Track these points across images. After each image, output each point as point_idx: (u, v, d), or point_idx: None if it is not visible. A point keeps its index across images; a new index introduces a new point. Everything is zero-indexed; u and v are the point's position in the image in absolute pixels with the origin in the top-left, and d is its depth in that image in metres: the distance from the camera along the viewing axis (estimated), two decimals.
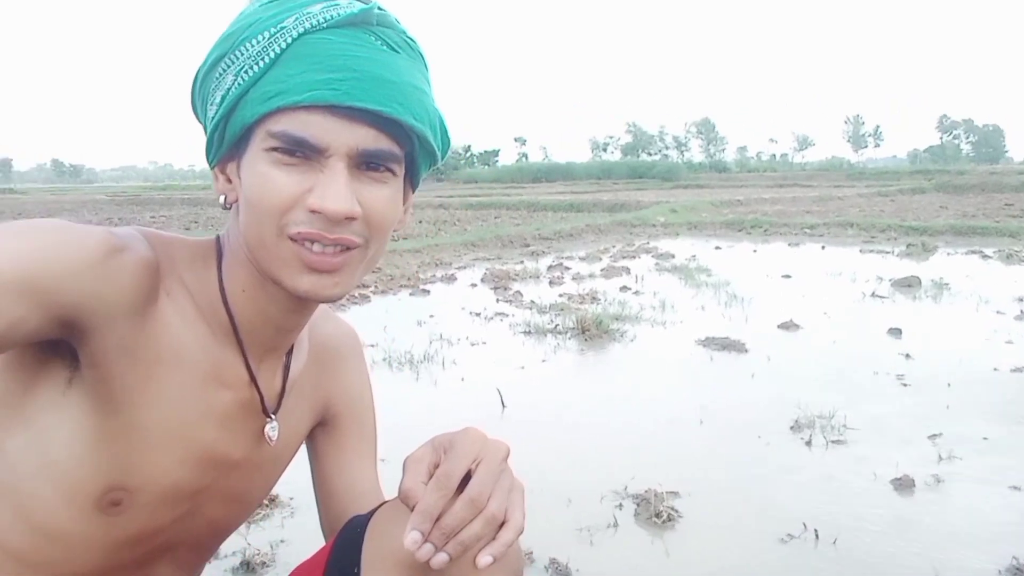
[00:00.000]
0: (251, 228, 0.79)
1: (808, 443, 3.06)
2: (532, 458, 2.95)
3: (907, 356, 4.40)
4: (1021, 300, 6.02)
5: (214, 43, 0.81)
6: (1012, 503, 2.52)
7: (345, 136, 0.75)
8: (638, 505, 2.49)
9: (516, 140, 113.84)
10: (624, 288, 7.01)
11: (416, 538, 0.75)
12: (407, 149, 0.81)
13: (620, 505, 2.52)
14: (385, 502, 0.92)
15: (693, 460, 2.94)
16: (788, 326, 5.24)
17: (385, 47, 0.77)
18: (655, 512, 2.42)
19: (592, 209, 18.39)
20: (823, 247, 10.55)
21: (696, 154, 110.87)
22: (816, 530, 2.31)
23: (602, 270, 8.22)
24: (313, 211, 0.76)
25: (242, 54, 0.77)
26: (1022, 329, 5.13)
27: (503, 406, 3.57)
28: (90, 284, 0.73)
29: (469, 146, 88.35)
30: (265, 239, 0.78)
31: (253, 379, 0.89)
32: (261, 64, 0.76)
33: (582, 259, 9.33)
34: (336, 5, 0.77)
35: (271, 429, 0.93)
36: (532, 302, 6.30)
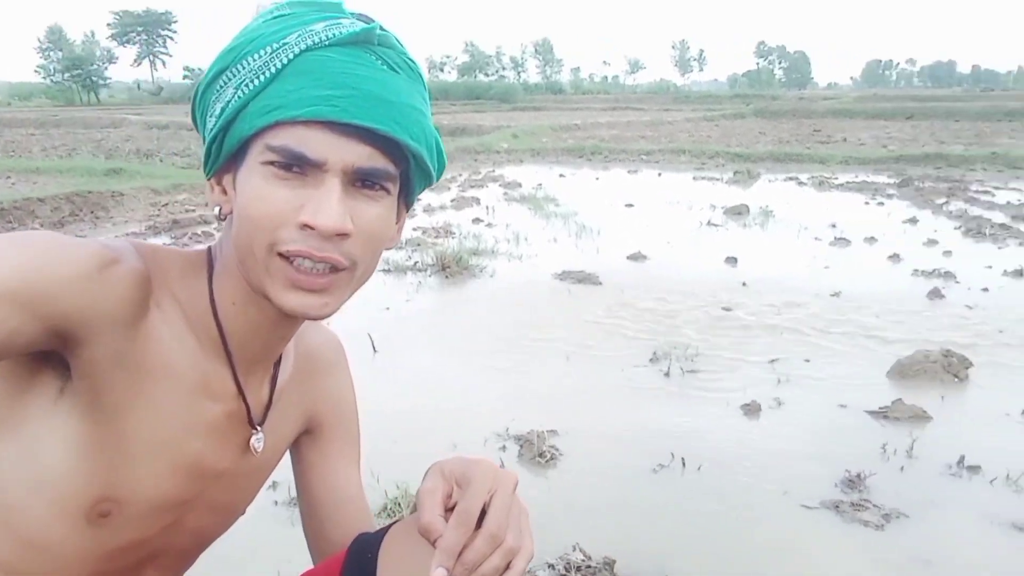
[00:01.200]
0: (242, 241, 0.79)
1: (667, 374, 3.31)
2: (412, 402, 3.02)
3: (743, 284, 4.79)
4: (834, 227, 6.65)
5: (216, 56, 0.80)
6: (841, 420, 2.87)
7: (342, 152, 0.76)
8: (521, 446, 2.62)
9: None
10: (477, 220, 7.09)
11: (442, 574, 0.79)
12: (402, 168, 0.81)
13: (504, 447, 2.65)
14: (395, 522, 0.95)
15: (565, 397, 3.11)
16: (636, 257, 5.54)
17: (385, 67, 0.78)
18: (538, 452, 2.56)
19: None
20: (659, 174, 11.08)
21: (533, 75, 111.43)
22: (683, 459, 2.54)
23: (452, 200, 8.25)
24: (305, 226, 0.76)
25: (243, 68, 0.77)
26: (836, 254, 5.70)
27: (374, 351, 3.59)
28: (84, 295, 0.73)
29: None
30: (255, 254, 0.78)
31: (241, 392, 0.89)
32: (262, 78, 0.76)
33: (430, 189, 9.29)
34: (338, 24, 0.77)
35: (256, 441, 0.93)
36: None
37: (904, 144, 14.41)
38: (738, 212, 7.41)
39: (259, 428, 0.93)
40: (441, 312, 4.41)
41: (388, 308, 4.34)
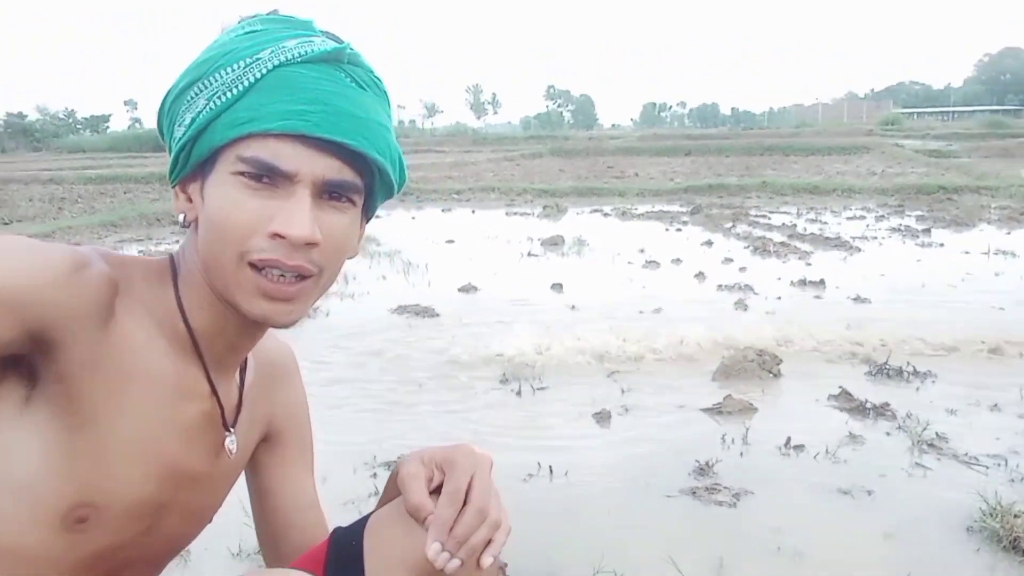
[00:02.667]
0: (211, 250, 0.81)
1: (518, 393, 3.45)
2: None
3: (572, 307, 5.06)
4: (643, 251, 7.17)
5: (186, 67, 0.82)
6: (683, 419, 3.13)
7: (313, 165, 0.79)
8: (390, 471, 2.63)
9: (127, 104, 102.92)
10: None
11: (438, 548, 0.85)
12: (367, 181, 0.85)
13: (375, 474, 2.65)
14: (372, 513, 0.97)
15: (423, 423, 3.15)
16: (468, 288, 5.68)
17: (354, 84, 0.82)
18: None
19: None
20: (473, 211, 11.39)
21: None
22: (551, 466, 2.66)
23: None
24: (275, 235, 0.78)
25: (216, 80, 0.79)
26: (649, 276, 6.16)
27: None
28: (58, 297, 0.73)
29: (72, 110, 77.81)
30: (224, 263, 0.80)
31: (215, 391, 0.90)
32: (235, 91, 0.78)
33: None
34: (311, 42, 0.80)
35: (231, 442, 0.94)
36: None
37: (688, 177, 15.75)
38: (554, 243, 7.79)
39: (232, 430, 0.95)
40: None
41: None
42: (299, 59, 0.79)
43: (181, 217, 0.85)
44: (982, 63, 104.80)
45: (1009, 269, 6.10)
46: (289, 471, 1.10)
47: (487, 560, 0.89)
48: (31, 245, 0.74)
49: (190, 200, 0.85)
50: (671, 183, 14.28)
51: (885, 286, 5.49)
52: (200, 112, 0.79)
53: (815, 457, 2.74)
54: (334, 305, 5.25)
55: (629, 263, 6.69)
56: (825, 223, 9.02)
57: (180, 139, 0.81)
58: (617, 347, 4.11)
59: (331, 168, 0.80)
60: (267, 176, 0.78)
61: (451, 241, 8.23)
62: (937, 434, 2.86)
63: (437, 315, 4.92)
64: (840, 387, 3.32)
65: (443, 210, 11.66)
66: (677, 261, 6.63)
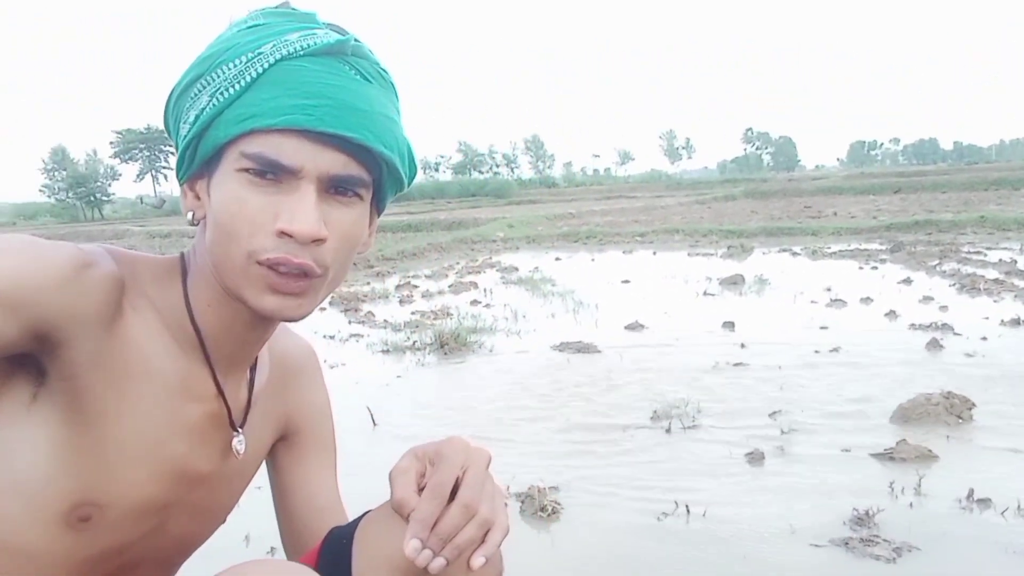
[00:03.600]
0: (218, 247, 0.80)
1: (668, 431, 3.29)
2: None
3: (742, 345, 4.79)
4: (829, 290, 6.69)
5: (190, 64, 0.83)
6: (846, 464, 2.83)
7: (317, 160, 0.78)
8: (523, 502, 2.58)
9: None
10: (475, 302, 7.14)
11: (417, 546, 0.80)
12: (375, 175, 0.83)
13: (506, 503, 2.60)
14: (367, 512, 0.95)
15: (567, 456, 3.07)
16: (634, 327, 5.56)
17: (359, 77, 0.80)
18: (539, 507, 2.52)
19: (431, 228, 18.50)
20: (654, 252, 11.21)
21: (525, 171, 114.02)
22: (687, 505, 2.49)
23: (450, 286, 8.32)
24: (282, 232, 0.77)
25: (218, 76, 0.79)
26: (832, 315, 5.72)
27: (374, 424, 3.57)
28: (63, 297, 0.74)
29: None
30: (234, 260, 0.79)
31: (221, 392, 0.90)
32: (237, 87, 0.78)
33: (428, 277, 9.39)
34: (313, 34, 0.80)
35: (238, 442, 0.93)
36: (385, 321, 6.29)
37: (894, 214, 14.62)
38: (733, 282, 7.47)
39: (240, 430, 0.94)
40: (440, 386, 4.40)
41: (387, 384, 4.33)
42: (301, 52, 0.78)
43: (190, 215, 0.86)
44: None
45: None
46: (307, 471, 1.08)
47: (477, 561, 0.82)
48: (36, 244, 0.75)
49: (198, 198, 0.85)
50: (873, 221, 13.32)
51: None
52: (204, 109, 0.79)
53: (1003, 513, 2.37)
54: (499, 341, 5.32)
55: (812, 302, 6.25)
56: None
57: (186, 136, 0.82)
58: (782, 386, 3.83)
59: (336, 163, 0.79)
60: (271, 172, 0.77)
61: (627, 281, 8.12)
62: None
63: (599, 351, 4.85)
64: None
65: (624, 252, 11.58)
66: (867, 300, 6.11)
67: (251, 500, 1.13)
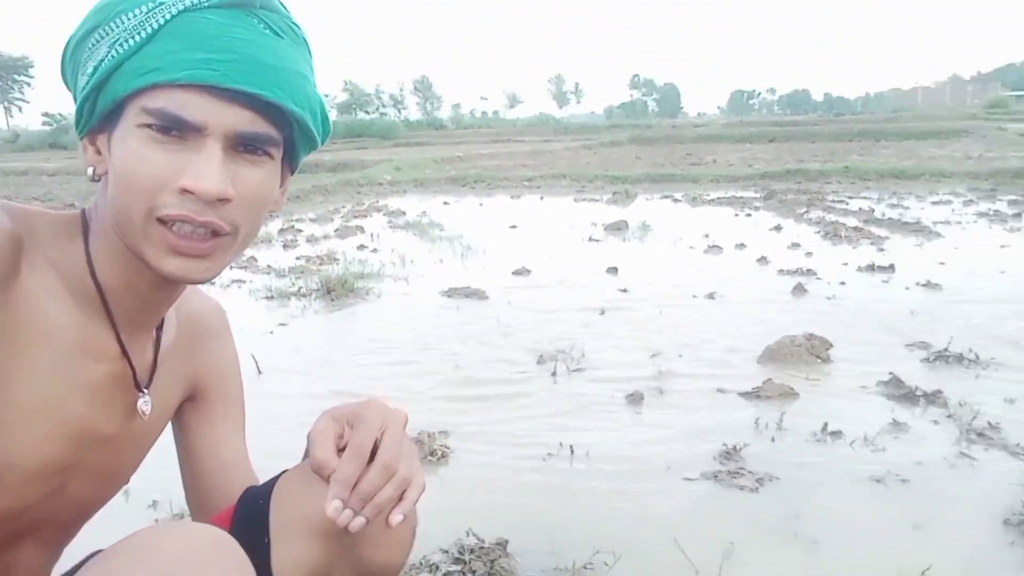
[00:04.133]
0: (119, 205, 0.78)
1: (553, 374, 3.40)
2: (297, 420, 2.98)
3: (624, 291, 4.97)
4: (707, 236, 6.98)
5: (89, 12, 0.79)
6: (718, 403, 3.03)
7: (223, 117, 0.75)
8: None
9: None
10: (361, 247, 7.06)
11: (338, 506, 0.82)
12: (286, 133, 0.82)
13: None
14: (283, 472, 0.95)
15: (455, 401, 3.14)
16: (521, 272, 5.65)
17: (268, 31, 0.78)
18: (429, 451, 2.58)
19: (315, 170, 17.94)
20: (541, 197, 11.33)
21: (413, 112, 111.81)
22: (571, 446, 2.61)
23: (336, 231, 8.17)
24: (185, 191, 0.75)
25: (118, 26, 0.76)
26: (709, 261, 5.99)
27: (259, 371, 3.52)
28: None
29: None
30: (133, 218, 0.77)
31: (125, 352, 0.88)
32: (138, 38, 0.75)
33: (313, 220, 9.17)
34: None
35: (144, 403, 0.92)
36: (269, 267, 6.13)
37: (768, 163, 15.28)
38: (618, 228, 7.67)
39: (145, 391, 0.92)
40: (326, 333, 4.37)
41: (271, 332, 4.26)
42: (205, 4, 0.75)
43: (90, 170, 0.83)
44: None
45: None
46: (216, 430, 1.08)
47: (396, 518, 0.85)
48: None
49: (99, 153, 0.82)
50: (749, 169, 13.89)
51: (961, 272, 5.18)
52: (102, 60, 0.76)
53: (851, 444, 2.60)
54: (387, 287, 5.31)
55: (691, 248, 6.52)
56: (907, 208, 8.60)
57: (84, 89, 0.78)
58: (661, 329, 4.01)
59: (244, 120, 0.76)
60: (175, 128, 0.75)
61: (514, 227, 8.20)
62: (989, 423, 2.68)
63: (487, 298, 4.91)
64: (891, 373, 3.14)
65: (512, 197, 11.65)
66: (741, 246, 6.43)
67: (156, 462, 1.11)
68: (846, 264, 5.55)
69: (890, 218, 7.71)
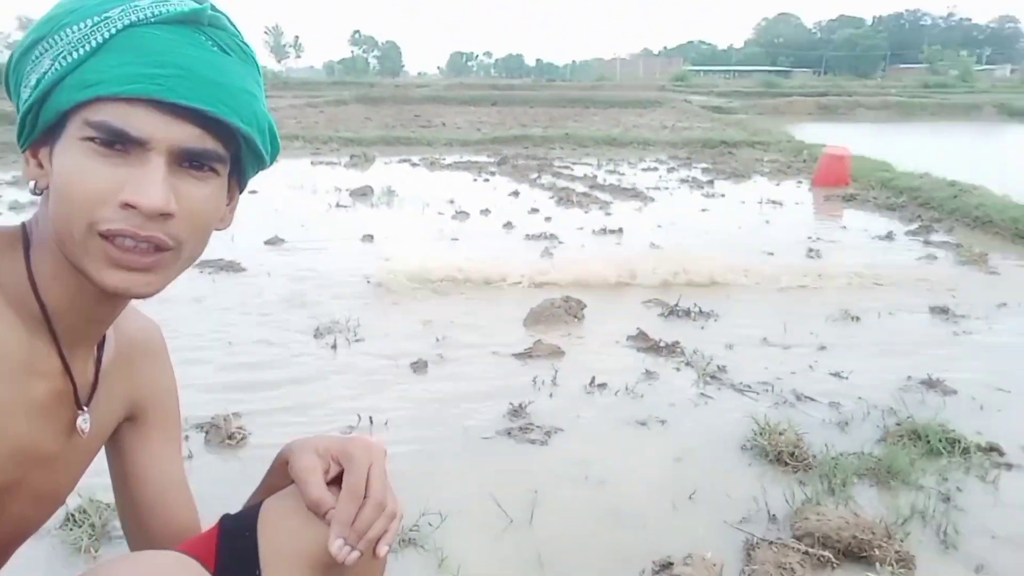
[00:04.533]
0: (60, 219, 0.76)
1: (333, 347, 3.44)
2: None
3: (386, 259, 5.06)
4: (452, 202, 7.26)
5: (33, 25, 0.76)
6: (496, 365, 3.28)
7: (168, 132, 0.75)
8: (207, 432, 2.57)
9: None
10: None
11: (341, 544, 0.88)
12: (233, 150, 0.82)
13: (187, 436, 2.57)
14: (262, 503, 0.96)
15: (240, 384, 3.07)
16: (274, 241, 5.51)
17: (216, 48, 0.78)
18: (227, 435, 2.54)
19: None
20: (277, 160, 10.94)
21: None
22: (370, 416, 2.71)
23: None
24: (127, 205, 0.74)
25: (61, 39, 0.74)
26: (459, 226, 6.27)
27: None
28: None
29: None
30: (73, 232, 0.75)
31: (67, 368, 0.85)
32: (81, 51, 0.73)
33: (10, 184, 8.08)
34: (167, 2, 0.76)
35: (83, 421, 0.89)
36: None
37: (494, 128, 15.99)
38: (363, 193, 7.69)
39: (85, 408, 0.91)
40: None
41: None
42: (152, 20, 0.75)
43: (32, 184, 0.80)
44: (760, 26, 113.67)
45: (776, 218, 6.80)
46: (155, 451, 1.06)
47: (383, 550, 0.93)
48: None
49: (41, 166, 0.80)
50: (479, 133, 14.44)
51: (675, 234, 5.95)
52: (45, 73, 0.75)
53: (616, 394, 2.98)
54: None
55: (440, 214, 6.76)
56: (623, 174, 9.55)
57: (27, 101, 0.77)
58: (429, 295, 4.20)
59: (190, 136, 0.76)
60: (118, 142, 0.74)
61: (254, 191, 7.86)
62: (718, 367, 3.21)
63: (243, 270, 4.76)
64: (638, 328, 3.60)
65: None
66: (486, 212, 6.78)
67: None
68: (581, 228, 6.12)
69: (611, 184, 8.54)
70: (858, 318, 3.89)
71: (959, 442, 2.49)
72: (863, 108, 25.01)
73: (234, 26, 0.81)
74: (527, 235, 5.83)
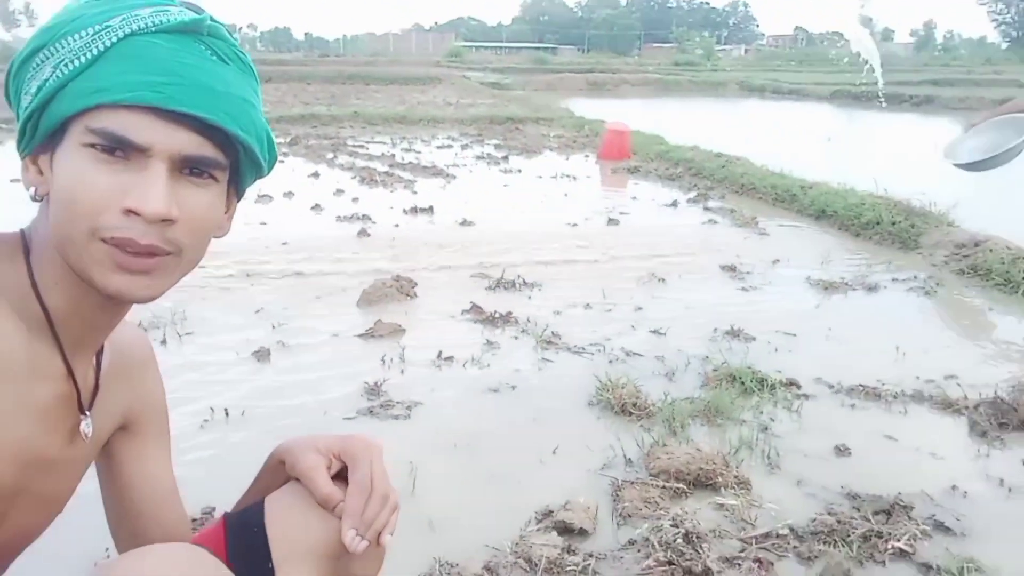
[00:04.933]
0: (61, 225, 0.76)
1: (163, 342, 3.28)
2: None
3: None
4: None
5: (34, 33, 0.76)
6: (341, 347, 3.30)
7: (169, 139, 0.77)
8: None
9: None
10: None
11: (353, 535, 0.95)
12: (232, 158, 0.83)
13: None
14: (260, 500, 0.99)
15: None
16: None
17: (215, 57, 0.80)
18: None
19: None
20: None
21: None
22: (225, 409, 2.65)
23: None
24: (128, 211, 0.75)
25: (63, 47, 0.75)
26: (265, 210, 6.08)
27: None
28: None
29: None
30: (75, 238, 0.76)
31: (71, 372, 0.84)
32: (83, 59, 0.74)
33: None
34: (167, 11, 0.77)
35: (86, 425, 0.89)
36: None
37: (275, 106, 15.38)
38: None
39: (88, 413, 0.91)
40: None
41: None
42: (152, 29, 0.76)
43: (32, 190, 0.80)
44: (526, 4, 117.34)
45: (573, 191, 7.24)
46: (148, 460, 1.07)
47: (387, 538, 1.00)
48: None
49: (41, 173, 0.80)
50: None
51: (484, 209, 6.15)
52: (46, 80, 0.76)
53: (464, 365, 3.13)
54: None
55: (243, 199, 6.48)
56: (419, 152, 9.64)
57: (27, 108, 0.77)
58: (251, 284, 4.09)
59: (190, 143, 0.78)
60: (120, 149, 0.75)
61: None
62: (553, 333, 3.45)
63: None
64: (471, 302, 3.76)
65: None
66: (289, 194, 6.61)
67: None
68: (392, 208, 6.16)
69: (410, 162, 8.61)
70: (663, 279, 4.31)
71: (766, 380, 2.90)
72: (628, 84, 26.86)
73: (232, 36, 0.84)
74: (338, 216, 5.77)
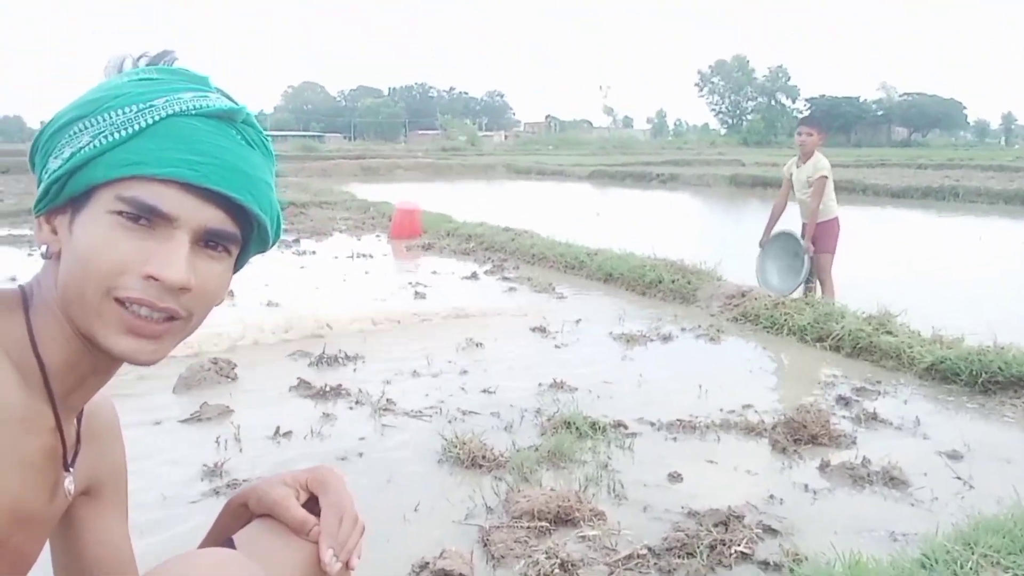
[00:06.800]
0: (74, 283, 0.78)
1: None
2: None
3: None
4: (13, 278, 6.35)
5: (70, 104, 0.79)
6: (167, 431, 3.11)
7: (196, 213, 0.81)
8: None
9: None
10: None
11: (332, 555, 0.97)
12: (245, 234, 0.88)
13: None
14: (229, 539, 0.96)
15: None
16: None
17: (244, 142, 0.85)
18: None
19: None
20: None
21: None
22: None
23: None
24: (150, 277, 0.78)
25: (104, 120, 0.79)
26: None
27: None
28: None
29: None
30: (88, 296, 0.78)
31: (60, 426, 0.83)
32: (124, 133, 0.78)
33: None
34: (206, 97, 0.82)
35: (69, 483, 0.87)
36: None
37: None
38: None
39: (71, 470, 0.90)
40: None
41: None
42: (193, 112, 0.81)
43: (43, 248, 0.82)
44: (287, 93, 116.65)
45: (372, 268, 7.32)
46: (108, 526, 1.04)
47: (356, 560, 1.03)
48: None
49: (54, 232, 0.82)
50: None
51: (290, 289, 6.04)
52: (83, 148, 0.79)
53: (304, 438, 3.08)
54: None
55: None
56: None
57: (55, 171, 0.80)
58: None
59: (215, 218, 0.83)
60: (145, 217, 0.79)
61: None
62: (388, 399, 3.49)
63: None
64: (298, 378, 3.70)
65: None
66: None
67: None
68: None
69: None
70: (481, 344, 4.50)
71: (597, 424, 3.14)
72: (401, 169, 27.50)
73: (259, 125, 0.91)
74: None
